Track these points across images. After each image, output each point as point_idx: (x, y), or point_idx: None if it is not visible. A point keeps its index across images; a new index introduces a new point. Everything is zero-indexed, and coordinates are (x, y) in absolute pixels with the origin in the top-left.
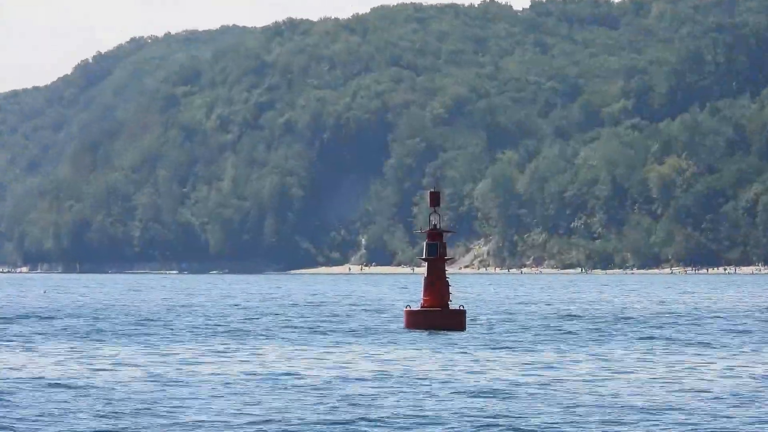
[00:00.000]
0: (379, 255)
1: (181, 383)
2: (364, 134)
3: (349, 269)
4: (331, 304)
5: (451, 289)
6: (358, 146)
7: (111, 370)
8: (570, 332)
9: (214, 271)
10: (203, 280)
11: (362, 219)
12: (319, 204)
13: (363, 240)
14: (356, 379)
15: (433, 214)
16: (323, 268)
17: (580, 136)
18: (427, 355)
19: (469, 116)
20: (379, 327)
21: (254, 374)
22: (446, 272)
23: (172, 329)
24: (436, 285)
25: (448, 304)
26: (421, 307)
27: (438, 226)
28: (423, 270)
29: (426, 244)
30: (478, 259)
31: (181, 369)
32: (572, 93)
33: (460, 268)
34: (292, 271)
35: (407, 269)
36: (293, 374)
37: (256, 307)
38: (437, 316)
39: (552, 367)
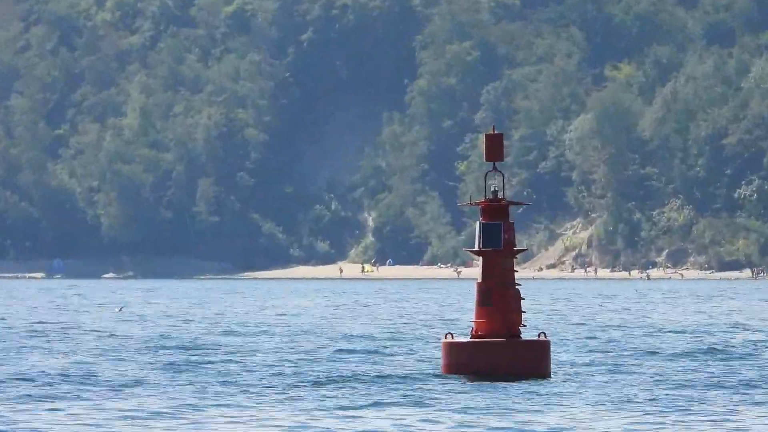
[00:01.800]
0: (399, 246)
1: None
2: (374, 35)
3: (341, 271)
4: (311, 331)
5: (524, 303)
6: (363, 56)
7: None
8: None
9: (110, 274)
10: (87, 292)
11: (368, 184)
12: (295, 158)
13: (370, 220)
14: None
15: (493, 175)
16: (301, 268)
17: (752, 41)
18: None
19: (553, 5)
20: (397, 373)
21: None
22: (515, 275)
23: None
24: (498, 297)
25: (518, 331)
26: (472, 335)
27: (501, 196)
28: (474, 272)
29: (480, 226)
30: (573, 253)
31: None
32: None
33: (540, 269)
34: (247, 274)
35: (446, 270)
36: None
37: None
38: (500, 351)
39: None
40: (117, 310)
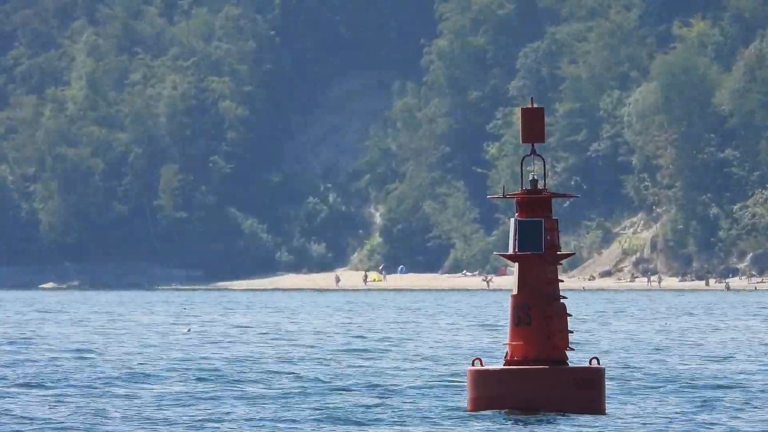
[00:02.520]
0: (413, 250)
1: None
2: None
3: (338, 280)
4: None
5: (572, 322)
6: (368, 10)
7: None
8: None
9: (49, 284)
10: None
11: (375, 171)
12: (283, 139)
13: (377, 216)
14: None
15: (531, 160)
16: (290, 277)
17: None
18: None
19: None
20: (413, 411)
21: None
22: (560, 285)
23: None
24: (538, 313)
25: (564, 356)
26: (506, 361)
27: (543, 186)
28: (508, 282)
29: (516, 224)
30: (632, 257)
31: None
32: None
33: (592, 278)
34: (222, 284)
35: (473, 279)
36: None
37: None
38: (542, 381)
39: None
40: (185, 330)
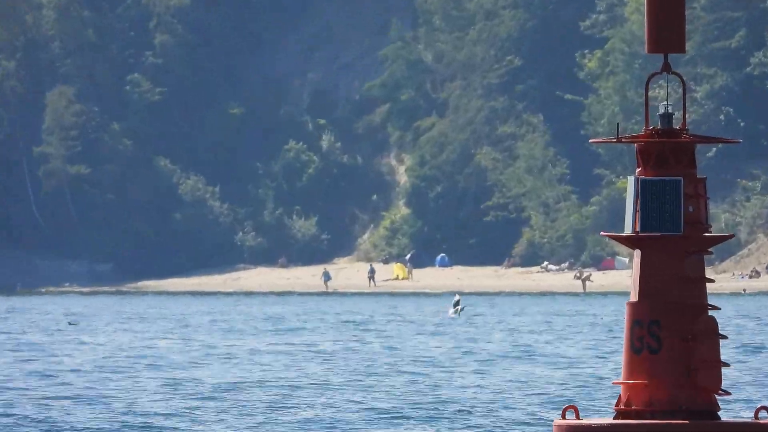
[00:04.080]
0: (459, 228)
1: None
2: None
3: (327, 277)
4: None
5: (726, 348)
6: None
7: None
8: None
9: None
10: None
11: (397, 98)
12: (249, 47)
13: (401, 172)
14: None
15: (662, 81)
16: (258, 271)
17: None
18: None
19: None
20: None
21: None
22: (707, 288)
23: None
24: (672, 333)
25: (715, 404)
26: (618, 411)
27: (683, 125)
28: (619, 280)
29: (637, 186)
30: None
31: None
32: None
33: (755, 274)
34: (144, 284)
35: (561, 276)
36: None
37: None
38: None
39: None
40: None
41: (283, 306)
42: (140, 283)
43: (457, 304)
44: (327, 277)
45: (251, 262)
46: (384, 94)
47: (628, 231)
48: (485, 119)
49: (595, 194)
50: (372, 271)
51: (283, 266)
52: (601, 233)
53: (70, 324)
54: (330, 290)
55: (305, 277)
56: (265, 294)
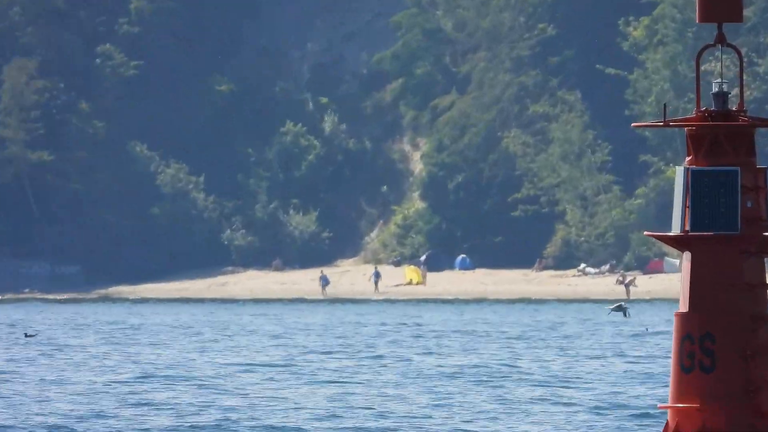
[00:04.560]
0: (480, 226)
1: None
2: None
3: (324, 282)
4: None
5: None
6: None
7: None
8: None
9: None
10: None
11: (411, 70)
12: (235, 11)
13: (416, 158)
14: None
15: (716, 54)
16: (248, 275)
17: None
18: None
19: None
20: None
21: None
22: (767, 295)
23: None
24: (729, 348)
25: None
26: None
27: (741, 106)
28: (665, 286)
29: (687, 177)
30: None
31: None
32: None
33: None
34: (119, 288)
35: (600, 280)
36: None
37: None
38: None
39: None
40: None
41: (295, 317)
42: (112, 289)
43: (619, 308)
44: (325, 281)
45: (241, 265)
46: (396, 68)
47: (676, 230)
48: (514, 97)
49: (641, 185)
50: (377, 275)
51: (277, 269)
52: (645, 233)
53: (26, 336)
54: (326, 297)
55: (303, 281)
56: (256, 302)
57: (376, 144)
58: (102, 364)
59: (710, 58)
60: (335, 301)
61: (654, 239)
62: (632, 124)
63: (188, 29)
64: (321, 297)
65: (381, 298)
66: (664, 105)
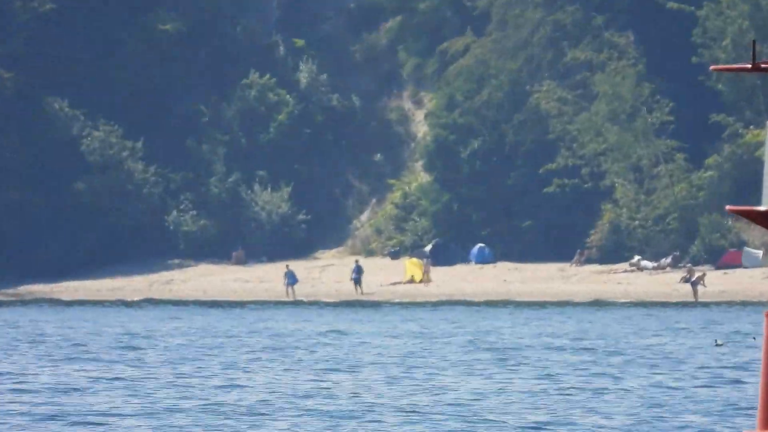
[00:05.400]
0: (503, 209)
1: None
2: None
3: (291, 280)
4: None
5: None
6: None
7: None
8: None
9: None
10: None
11: (414, 6)
12: None
13: (419, 120)
14: None
15: None
16: (201, 269)
17: None
18: None
19: None
20: None
21: None
22: None
23: None
24: None
25: None
26: None
27: None
28: (745, 284)
29: None
30: None
31: None
32: None
33: None
34: (39, 287)
35: (661, 277)
36: None
37: None
38: None
39: None
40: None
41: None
42: (22, 288)
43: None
44: (292, 279)
45: (191, 256)
46: (393, 2)
47: (766, 205)
48: (546, 40)
49: (713, 153)
50: (358, 270)
51: (239, 262)
52: (727, 208)
53: None
54: (293, 299)
55: (272, 278)
56: (211, 305)
57: (367, 100)
58: None
59: None
60: (313, 304)
61: (732, 223)
62: (711, 67)
63: None
64: (286, 299)
65: (365, 299)
66: (753, 42)
